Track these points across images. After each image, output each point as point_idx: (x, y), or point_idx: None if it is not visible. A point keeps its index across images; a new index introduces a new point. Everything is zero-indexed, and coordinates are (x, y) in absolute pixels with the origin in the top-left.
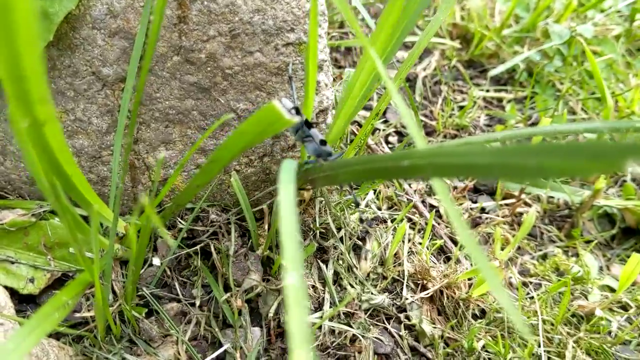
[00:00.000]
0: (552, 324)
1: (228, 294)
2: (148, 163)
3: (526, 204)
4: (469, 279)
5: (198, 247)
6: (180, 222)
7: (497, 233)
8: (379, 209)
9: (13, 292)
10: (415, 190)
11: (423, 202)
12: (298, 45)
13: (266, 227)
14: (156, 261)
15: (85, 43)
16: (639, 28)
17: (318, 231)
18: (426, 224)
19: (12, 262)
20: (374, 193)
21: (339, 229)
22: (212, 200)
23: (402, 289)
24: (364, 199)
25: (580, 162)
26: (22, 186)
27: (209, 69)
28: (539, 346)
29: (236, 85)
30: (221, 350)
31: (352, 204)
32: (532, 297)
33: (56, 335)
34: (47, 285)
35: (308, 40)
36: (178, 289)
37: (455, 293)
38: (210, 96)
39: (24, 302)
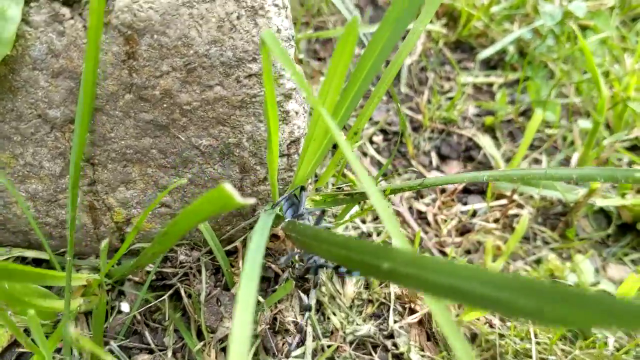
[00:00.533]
0: (547, 344)
1: (202, 343)
2: (108, 204)
3: (519, 205)
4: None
5: (167, 295)
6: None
7: (488, 244)
8: (363, 222)
9: None
10: (401, 198)
11: (410, 208)
12: (262, 76)
13: (240, 263)
14: (124, 307)
15: (27, 85)
16: None
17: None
18: (414, 235)
19: None
20: (358, 205)
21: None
22: (180, 239)
23: (388, 314)
24: (348, 211)
25: (588, 315)
26: None
27: (165, 105)
28: None
29: (196, 121)
30: None
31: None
32: None
33: None
34: (9, 342)
35: (265, 93)
36: (149, 338)
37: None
38: (169, 133)
39: None
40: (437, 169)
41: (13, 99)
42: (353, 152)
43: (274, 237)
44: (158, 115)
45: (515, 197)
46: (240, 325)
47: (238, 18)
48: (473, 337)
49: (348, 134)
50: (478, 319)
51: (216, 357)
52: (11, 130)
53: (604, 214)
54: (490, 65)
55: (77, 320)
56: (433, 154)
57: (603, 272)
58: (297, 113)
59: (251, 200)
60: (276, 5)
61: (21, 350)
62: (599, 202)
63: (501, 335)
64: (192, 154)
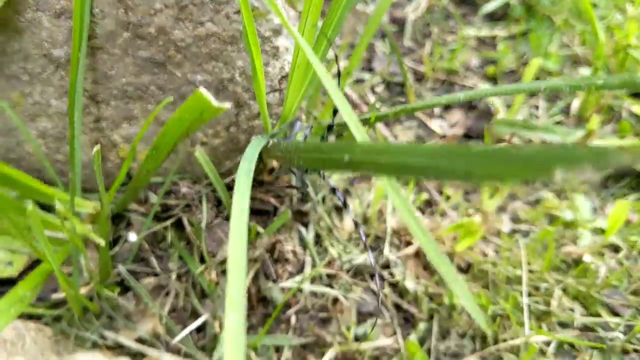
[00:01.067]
0: (539, 271)
1: (203, 266)
2: (114, 140)
3: None
4: (455, 233)
5: (169, 221)
6: (152, 195)
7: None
8: None
9: None
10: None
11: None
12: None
13: None
14: (132, 237)
15: (32, 26)
16: None
17: (295, 196)
18: None
19: None
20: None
21: (317, 193)
22: (182, 172)
23: (384, 247)
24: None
25: (508, 169)
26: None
27: (160, 43)
28: (524, 296)
29: (191, 57)
30: (200, 321)
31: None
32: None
33: (34, 317)
34: (26, 267)
35: (244, 28)
36: (155, 263)
37: (440, 247)
38: (166, 70)
39: (5, 285)
40: (440, 117)
41: (19, 39)
42: (339, 88)
43: (271, 171)
44: (155, 53)
45: (515, 140)
46: (236, 236)
47: None
48: (468, 267)
49: (342, 74)
50: (471, 249)
51: (217, 278)
52: (19, 70)
53: None
54: (494, 18)
55: (86, 246)
56: (435, 109)
57: (601, 212)
58: (287, 49)
59: (227, 105)
60: None
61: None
62: (598, 142)
63: (494, 264)
64: (188, 89)
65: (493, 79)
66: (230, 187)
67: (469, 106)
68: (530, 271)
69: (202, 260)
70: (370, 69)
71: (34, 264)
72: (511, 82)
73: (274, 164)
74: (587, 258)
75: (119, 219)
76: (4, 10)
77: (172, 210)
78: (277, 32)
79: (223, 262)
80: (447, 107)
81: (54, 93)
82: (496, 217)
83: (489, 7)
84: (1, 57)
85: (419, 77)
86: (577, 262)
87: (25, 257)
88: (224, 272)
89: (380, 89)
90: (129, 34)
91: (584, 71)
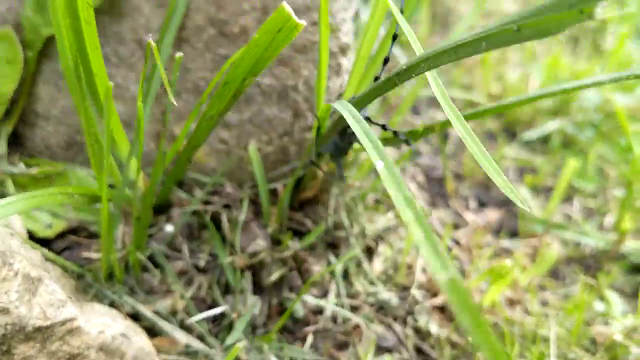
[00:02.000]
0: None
1: (232, 257)
2: (174, 133)
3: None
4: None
5: (208, 216)
6: (198, 192)
7: (517, 260)
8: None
9: (30, 235)
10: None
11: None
12: None
13: (279, 210)
14: (169, 227)
15: (134, 12)
16: None
17: (331, 220)
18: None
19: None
20: None
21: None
22: (229, 176)
23: (411, 294)
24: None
25: (550, 17)
26: (58, 151)
27: (240, 42)
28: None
29: None
30: (219, 309)
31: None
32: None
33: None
34: (62, 231)
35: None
36: (186, 253)
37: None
38: None
39: (40, 244)
40: (475, 211)
41: (120, 23)
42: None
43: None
44: (233, 51)
45: (548, 238)
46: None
47: None
48: (494, 326)
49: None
50: (498, 305)
51: (242, 269)
52: (111, 52)
53: (637, 270)
54: (532, 147)
55: (125, 222)
56: (471, 200)
57: (631, 314)
58: (347, 71)
59: (303, 22)
60: None
61: (74, 238)
62: (631, 245)
63: (521, 324)
64: (254, 91)
65: (531, 189)
66: (272, 193)
67: (504, 203)
68: (559, 338)
69: (232, 255)
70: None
71: (70, 231)
72: (546, 189)
73: (313, 189)
74: (618, 337)
75: (160, 212)
76: None
77: (212, 206)
78: (342, 50)
79: (252, 255)
80: (483, 204)
81: (135, 78)
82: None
83: (528, 135)
84: (100, 37)
85: (458, 176)
86: (608, 343)
87: (64, 223)
88: (251, 268)
89: (420, 178)
90: (214, 31)
91: (618, 192)
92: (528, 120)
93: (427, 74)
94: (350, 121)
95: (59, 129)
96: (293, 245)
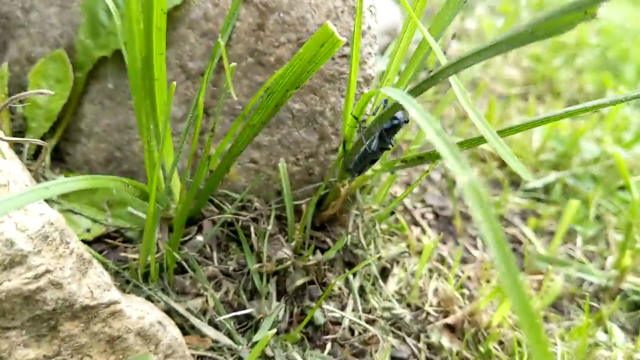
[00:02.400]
0: None
1: (259, 264)
2: (210, 154)
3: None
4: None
5: (238, 225)
6: (227, 207)
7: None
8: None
9: None
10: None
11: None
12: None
13: (302, 226)
14: (199, 238)
15: (180, 40)
16: None
17: (349, 238)
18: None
19: (75, 213)
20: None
21: (369, 243)
22: (256, 193)
23: (424, 314)
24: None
25: (559, 19)
26: (97, 166)
27: (274, 71)
28: None
29: None
30: (247, 311)
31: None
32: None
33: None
34: (100, 235)
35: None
36: (215, 260)
37: (477, 321)
38: None
39: None
40: (483, 249)
41: (167, 50)
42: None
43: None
44: (267, 79)
45: (554, 276)
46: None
47: (342, 12)
48: (501, 344)
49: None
50: (506, 323)
51: (268, 275)
52: None
53: (636, 306)
54: (535, 196)
55: (160, 229)
56: (479, 239)
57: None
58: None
59: (344, 39)
60: (370, 10)
61: (111, 242)
62: (632, 281)
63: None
64: (285, 115)
65: (534, 230)
66: (296, 211)
67: (512, 248)
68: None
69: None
70: (422, 201)
71: (106, 236)
72: (550, 235)
73: (334, 208)
74: None
75: (191, 224)
76: (167, 20)
77: (242, 218)
78: (367, 80)
79: (278, 262)
80: None
81: (176, 100)
82: None
83: (530, 184)
84: None
85: (466, 217)
86: None
87: (103, 228)
88: (276, 273)
89: (430, 217)
90: (252, 60)
91: (617, 236)
92: (531, 172)
93: (451, 80)
94: (406, 105)
95: (100, 146)
96: (315, 257)
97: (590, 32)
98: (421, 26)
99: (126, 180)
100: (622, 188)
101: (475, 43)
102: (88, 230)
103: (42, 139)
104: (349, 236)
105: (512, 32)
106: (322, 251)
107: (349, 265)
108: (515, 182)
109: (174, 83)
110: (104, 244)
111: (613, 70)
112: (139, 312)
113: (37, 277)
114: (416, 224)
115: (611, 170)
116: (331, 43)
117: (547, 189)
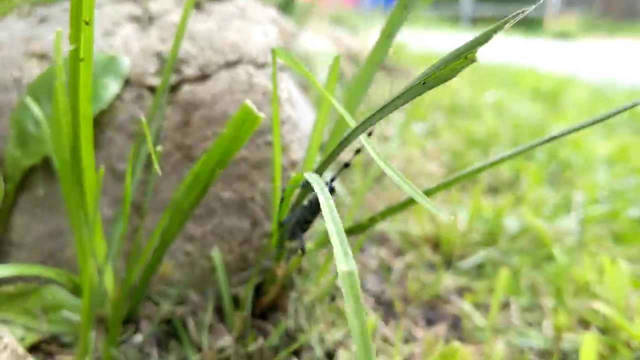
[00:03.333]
0: None
1: (200, 355)
2: (142, 251)
3: None
4: None
5: (179, 315)
6: (164, 303)
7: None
8: None
9: None
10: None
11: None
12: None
13: (241, 314)
14: (138, 338)
15: (108, 143)
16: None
17: (292, 323)
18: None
19: (7, 322)
20: None
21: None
22: (193, 286)
23: None
24: None
25: (444, 67)
26: (31, 278)
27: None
28: None
29: (223, 177)
30: None
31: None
32: None
33: None
34: (35, 343)
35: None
36: (155, 356)
37: None
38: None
39: None
40: (424, 327)
41: (96, 152)
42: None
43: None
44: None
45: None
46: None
47: (264, 105)
48: None
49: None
50: None
51: (212, 358)
52: None
53: None
54: (468, 274)
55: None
56: (419, 319)
57: None
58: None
59: (262, 115)
60: (289, 103)
61: (46, 348)
62: (568, 339)
63: None
64: (216, 205)
65: (472, 304)
66: (234, 299)
67: (452, 323)
68: None
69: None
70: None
71: (42, 342)
72: (486, 308)
73: (273, 292)
74: None
75: (128, 325)
76: (95, 125)
77: (180, 312)
78: (293, 164)
79: (219, 352)
80: (431, 323)
81: (107, 202)
82: None
83: (464, 264)
84: None
85: (405, 299)
86: None
87: (38, 335)
88: None
89: (370, 302)
90: (180, 155)
91: (549, 301)
92: (461, 254)
93: (363, 139)
94: (317, 190)
95: (32, 256)
96: (257, 343)
97: (501, 126)
98: (333, 100)
99: (59, 271)
100: (548, 257)
101: None
102: (22, 339)
103: None
104: (292, 321)
105: (406, 87)
106: (265, 338)
107: (294, 352)
108: (448, 262)
109: (102, 168)
110: (40, 351)
111: (526, 157)
112: None
113: None
114: None
115: (534, 242)
116: (251, 120)
117: (479, 266)
